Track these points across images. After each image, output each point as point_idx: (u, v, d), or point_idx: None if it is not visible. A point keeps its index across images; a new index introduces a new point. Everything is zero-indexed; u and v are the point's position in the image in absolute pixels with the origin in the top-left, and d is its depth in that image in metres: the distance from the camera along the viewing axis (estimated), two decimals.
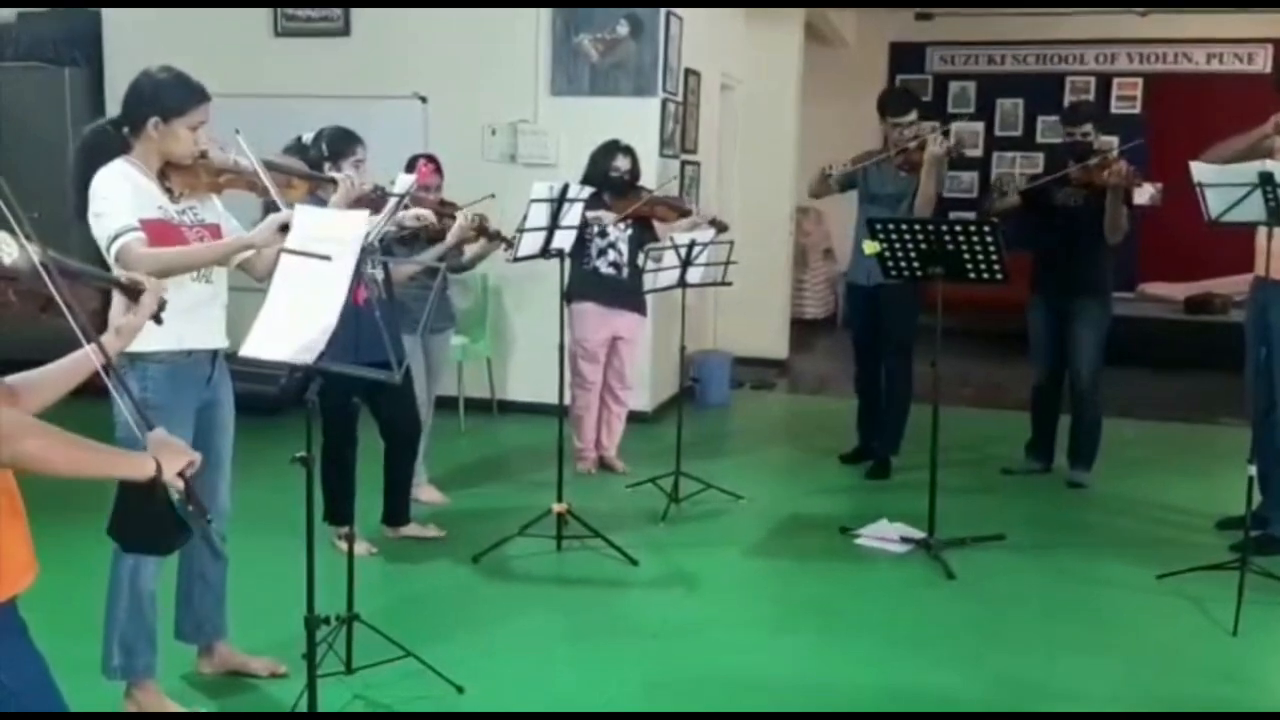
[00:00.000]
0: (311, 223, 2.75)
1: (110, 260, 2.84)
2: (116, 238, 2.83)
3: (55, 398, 1.93)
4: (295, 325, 2.63)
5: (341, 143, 4.17)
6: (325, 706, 2.98)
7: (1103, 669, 3.60)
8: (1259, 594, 3.97)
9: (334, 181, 3.54)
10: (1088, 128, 5.44)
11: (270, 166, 3.17)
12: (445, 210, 4.49)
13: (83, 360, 1.93)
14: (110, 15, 7.26)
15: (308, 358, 2.60)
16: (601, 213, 5.34)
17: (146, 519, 1.88)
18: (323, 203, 3.45)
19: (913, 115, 5.54)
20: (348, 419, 4.29)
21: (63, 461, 1.75)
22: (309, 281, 2.64)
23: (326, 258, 2.61)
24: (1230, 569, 4.04)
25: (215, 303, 3.09)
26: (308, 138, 4.18)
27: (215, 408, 3.16)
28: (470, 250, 4.83)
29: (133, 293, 1.97)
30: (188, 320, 2.97)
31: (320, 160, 4.09)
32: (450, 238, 4.48)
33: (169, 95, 2.95)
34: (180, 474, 1.89)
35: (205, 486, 3.15)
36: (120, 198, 2.87)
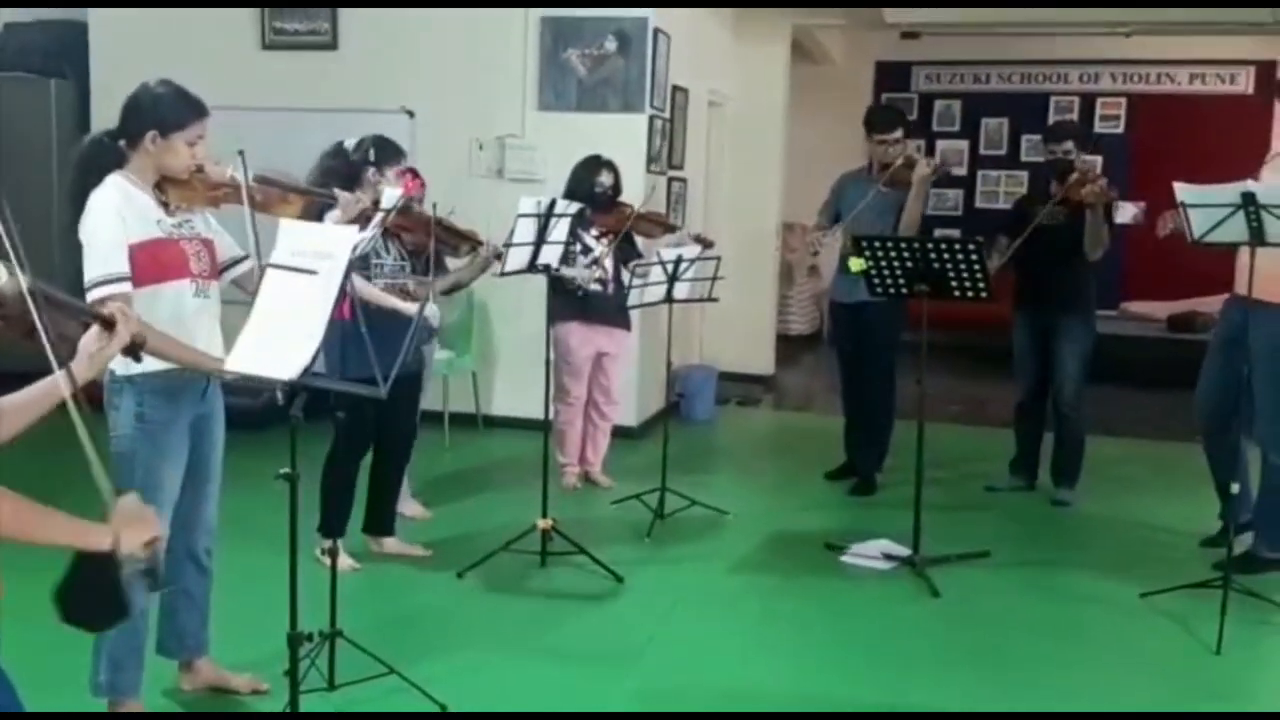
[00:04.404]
0: (298, 237, 2.74)
1: (89, 298, 2.83)
2: (101, 284, 2.83)
3: (26, 423, 1.93)
4: (280, 340, 2.62)
5: (387, 151, 4.24)
6: None
7: (1086, 686, 3.60)
8: (1242, 612, 3.99)
9: (335, 198, 3.55)
10: (1069, 145, 5.47)
11: (266, 182, 3.17)
12: (457, 239, 4.48)
13: (54, 387, 1.93)
14: (97, 27, 7.25)
15: (292, 373, 2.59)
16: (590, 273, 5.35)
17: (92, 592, 1.84)
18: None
19: (898, 133, 5.56)
20: (364, 428, 4.26)
21: (26, 529, 1.77)
22: (295, 296, 2.63)
23: (313, 272, 2.61)
24: (1213, 587, 4.05)
25: (211, 317, 3.08)
26: (349, 144, 4.24)
27: (207, 422, 3.15)
28: (463, 271, 4.81)
29: (109, 324, 1.99)
30: (186, 336, 2.97)
31: (364, 166, 4.15)
32: (475, 268, 4.54)
33: (168, 109, 2.95)
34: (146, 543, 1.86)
35: (195, 500, 3.15)
36: (110, 235, 2.86)
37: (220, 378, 3.03)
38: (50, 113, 7.30)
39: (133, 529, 1.84)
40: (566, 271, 5.07)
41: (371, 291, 4.10)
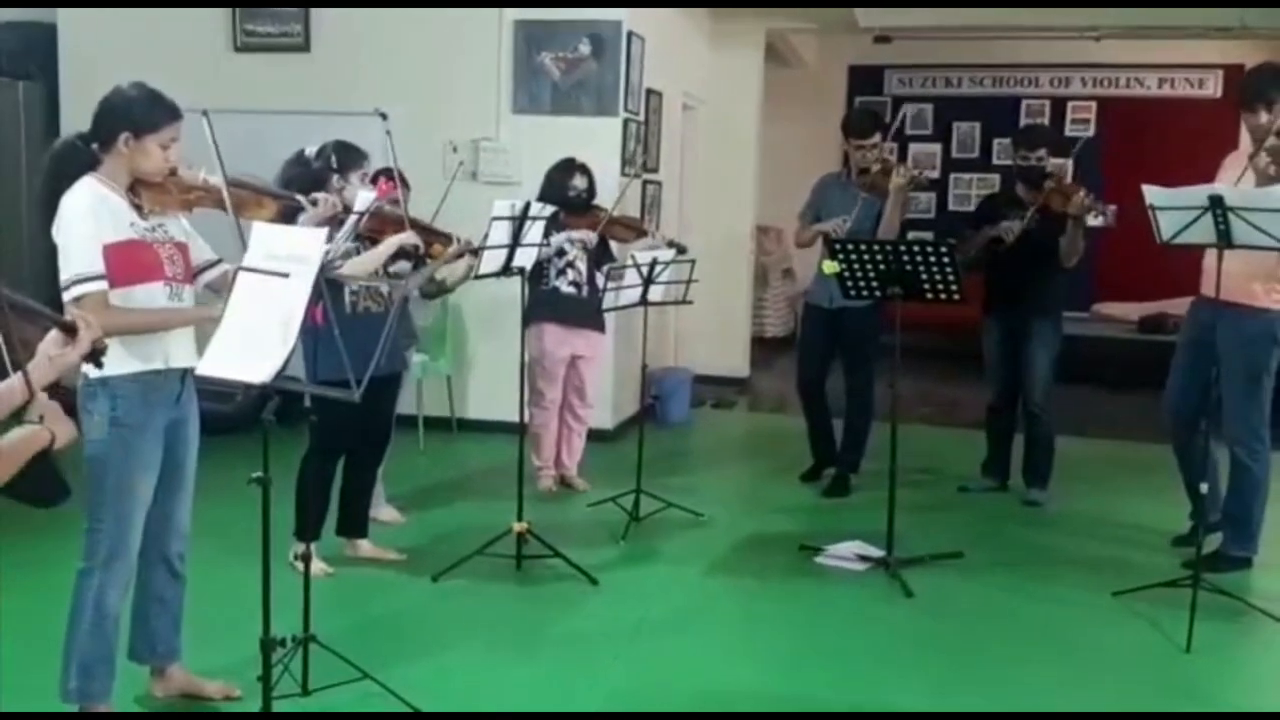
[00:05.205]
0: (271, 240, 2.72)
1: (65, 298, 2.82)
2: (78, 283, 2.82)
3: None
4: (252, 344, 2.60)
5: (349, 156, 4.23)
6: None
7: (1058, 685, 3.63)
8: (1211, 611, 4.02)
9: (309, 201, 3.53)
10: (1042, 152, 5.53)
11: (239, 185, 3.15)
12: (432, 238, 4.47)
13: (8, 391, 1.96)
14: (66, 29, 7.18)
15: (264, 377, 2.57)
16: (573, 233, 5.34)
17: (39, 480, 1.97)
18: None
19: (875, 138, 5.59)
20: (340, 430, 4.23)
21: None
22: (267, 300, 2.61)
23: (285, 275, 2.60)
24: (1183, 586, 4.09)
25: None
26: (310, 151, 4.21)
27: (182, 425, 3.14)
28: (440, 267, 4.81)
29: (70, 330, 2.00)
30: (160, 339, 2.98)
31: (327, 172, 4.12)
32: (457, 266, 4.53)
33: (141, 112, 2.94)
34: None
35: (168, 504, 3.13)
36: (84, 234, 2.84)
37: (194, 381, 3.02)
38: (19, 115, 7.21)
39: (60, 425, 1.99)
40: (564, 237, 5.06)
41: (357, 266, 4.07)
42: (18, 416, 1.92)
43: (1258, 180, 4.27)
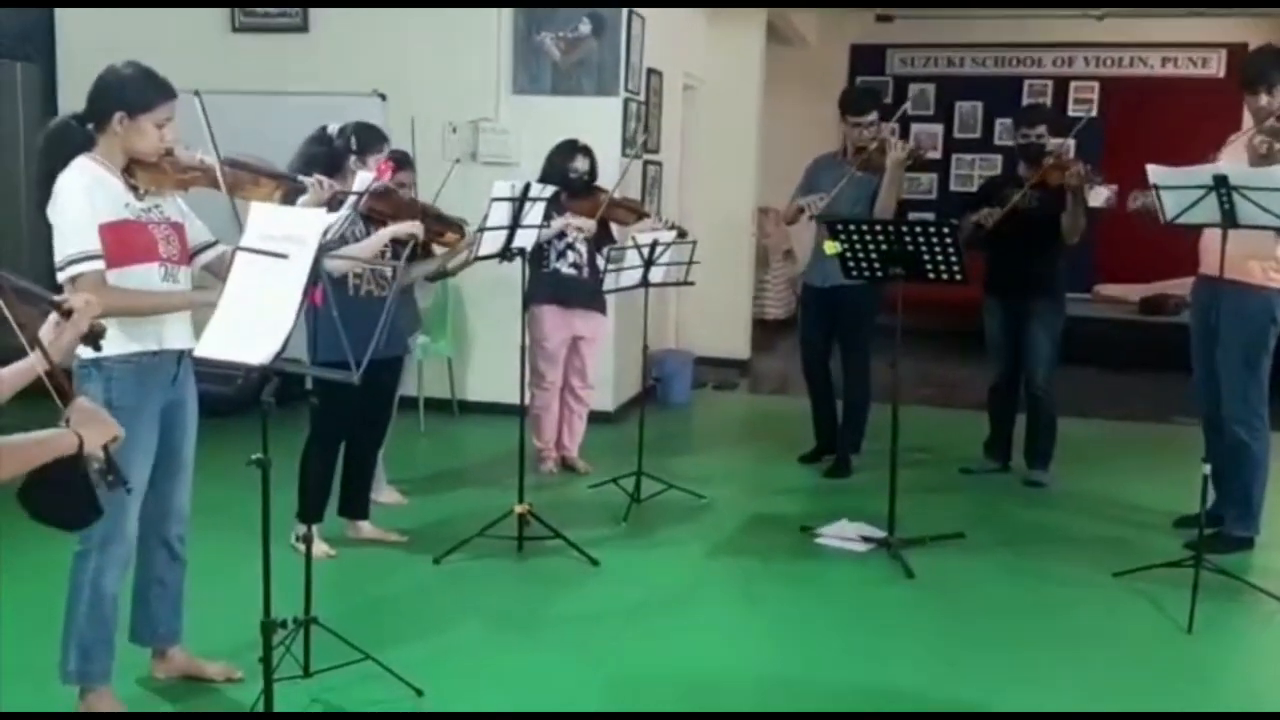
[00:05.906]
0: (269, 221, 2.71)
1: (61, 278, 2.81)
2: (74, 263, 2.81)
3: None
4: (251, 325, 2.59)
5: (370, 137, 4.20)
6: (282, 710, 2.94)
7: (1060, 666, 3.63)
8: (1213, 591, 4.02)
9: (303, 184, 3.52)
10: (1042, 129, 5.51)
11: (236, 165, 3.14)
12: (444, 227, 4.45)
13: (22, 371, 1.95)
14: (64, 10, 7.15)
15: (263, 358, 2.56)
16: (573, 220, 5.32)
17: (62, 492, 1.91)
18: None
19: (873, 116, 5.56)
20: (342, 412, 4.22)
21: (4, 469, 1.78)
22: (265, 281, 2.60)
23: (283, 256, 2.58)
24: (1186, 566, 4.09)
25: None
26: (333, 129, 4.20)
27: (179, 408, 3.13)
28: (447, 257, 4.80)
29: (66, 313, 1.98)
30: (154, 321, 2.97)
31: (347, 153, 4.12)
32: (460, 257, 4.53)
33: (135, 91, 2.92)
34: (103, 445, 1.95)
35: (167, 487, 3.13)
36: (80, 214, 2.83)
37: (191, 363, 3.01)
38: (17, 96, 7.19)
39: (93, 429, 1.93)
40: (545, 234, 5.07)
41: (351, 256, 4.03)
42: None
43: (1250, 160, 4.25)
